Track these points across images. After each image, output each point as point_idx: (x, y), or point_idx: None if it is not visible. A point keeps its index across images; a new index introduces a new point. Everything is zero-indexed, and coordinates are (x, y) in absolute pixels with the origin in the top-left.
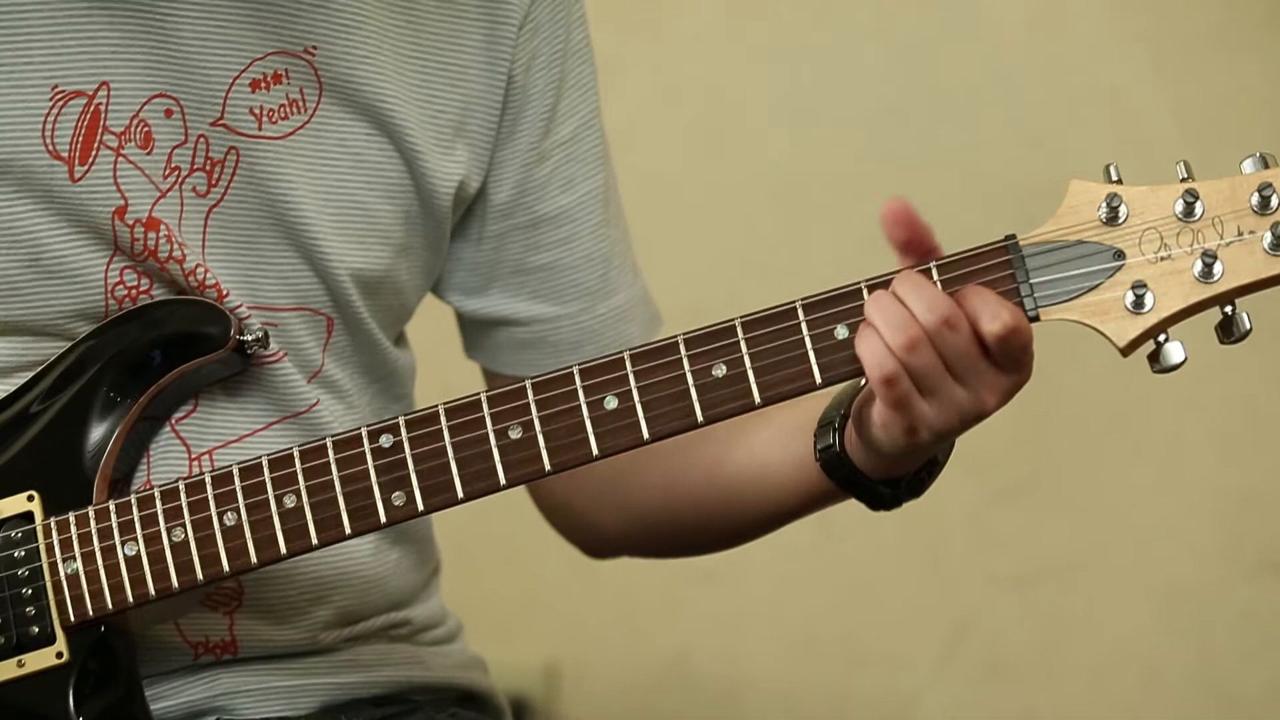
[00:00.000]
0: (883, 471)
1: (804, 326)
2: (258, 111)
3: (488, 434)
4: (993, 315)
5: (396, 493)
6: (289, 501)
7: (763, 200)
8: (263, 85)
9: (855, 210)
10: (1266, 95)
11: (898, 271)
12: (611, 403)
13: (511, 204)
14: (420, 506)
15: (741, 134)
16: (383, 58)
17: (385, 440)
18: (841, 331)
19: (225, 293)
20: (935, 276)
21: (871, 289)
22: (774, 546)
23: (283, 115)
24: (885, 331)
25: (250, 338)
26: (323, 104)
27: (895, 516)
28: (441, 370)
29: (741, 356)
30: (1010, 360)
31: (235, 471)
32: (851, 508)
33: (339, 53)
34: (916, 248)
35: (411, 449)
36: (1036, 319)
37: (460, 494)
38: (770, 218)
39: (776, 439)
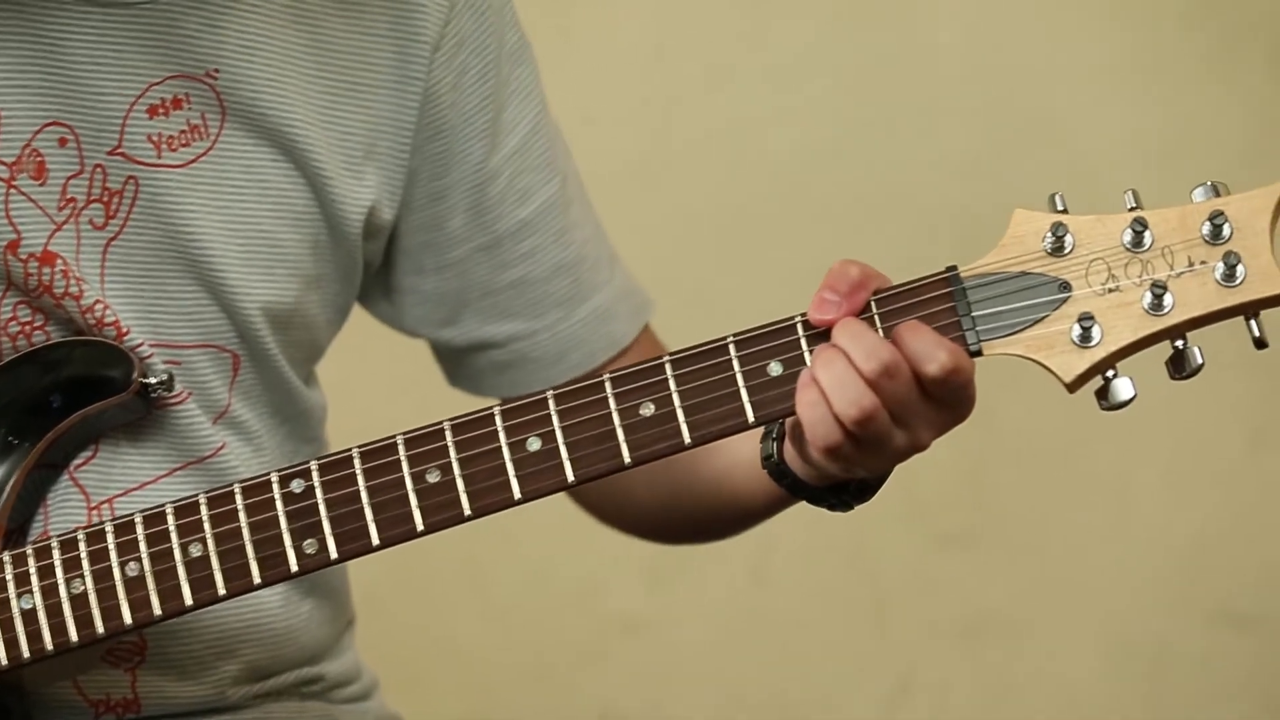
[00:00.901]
0: (827, 480)
1: (735, 363)
2: (157, 139)
3: (404, 478)
4: (929, 356)
5: (308, 540)
6: (195, 550)
7: (696, 235)
8: (162, 111)
9: (794, 243)
10: (1227, 124)
11: (753, 330)
12: (534, 444)
13: (468, 227)
14: (333, 554)
15: (672, 165)
16: (288, 80)
17: (296, 485)
18: (775, 368)
19: (125, 330)
20: (874, 310)
21: (807, 325)
22: (703, 594)
23: (184, 142)
24: (832, 394)
25: (154, 380)
26: (226, 129)
27: (833, 564)
28: (354, 411)
29: (670, 395)
30: (951, 398)
31: (138, 520)
32: (784, 553)
33: (242, 76)
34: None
35: (324, 494)
36: (979, 354)
37: (376, 541)
38: (704, 253)
39: (744, 438)
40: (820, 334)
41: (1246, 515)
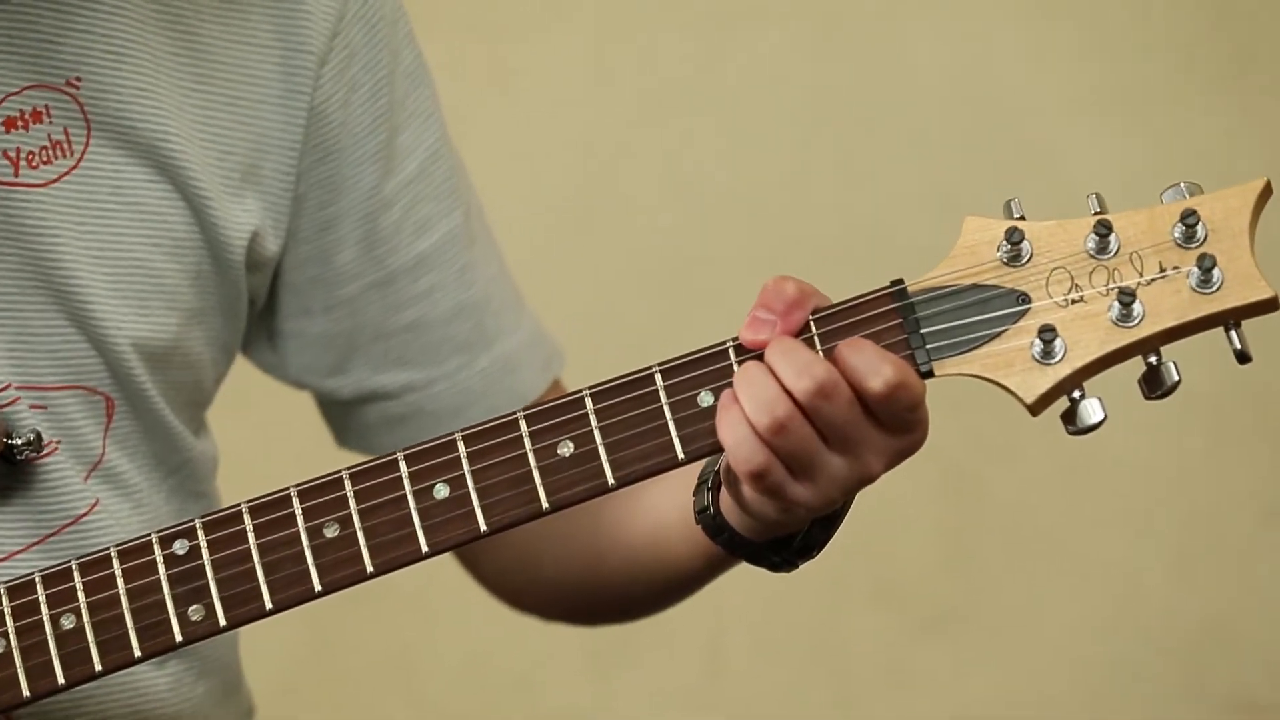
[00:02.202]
0: (768, 533)
1: (663, 394)
2: (14, 155)
3: (299, 533)
4: (873, 371)
5: (194, 606)
6: (67, 622)
7: (642, 276)
8: (20, 124)
9: (750, 286)
10: (1219, 155)
11: (681, 358)
12: (442, 491)
13: (360, 262)
14: (222, 621)
15: (614, 204)
16: (160, 90)
17: (179, 546)
18: (706, 398)
19: None
20: (813, 330)
21: (740, 349)
22: (652, 685)
23: (45, 159)
24: (751, 411)
25: (20, 441)
26: (92, 145)
27: (797, 651)
28: (253, 463)
29: (591, 431)
30: (897, 421)
31: (1, 591)
32: (742, 639)
33: (107, 84)
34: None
35: (210, 554)
36: (930, 374)
37: (268, 604)
38: (650, 296)
39: (673, 493)
40: (756, 357)
41: (1260, 597)
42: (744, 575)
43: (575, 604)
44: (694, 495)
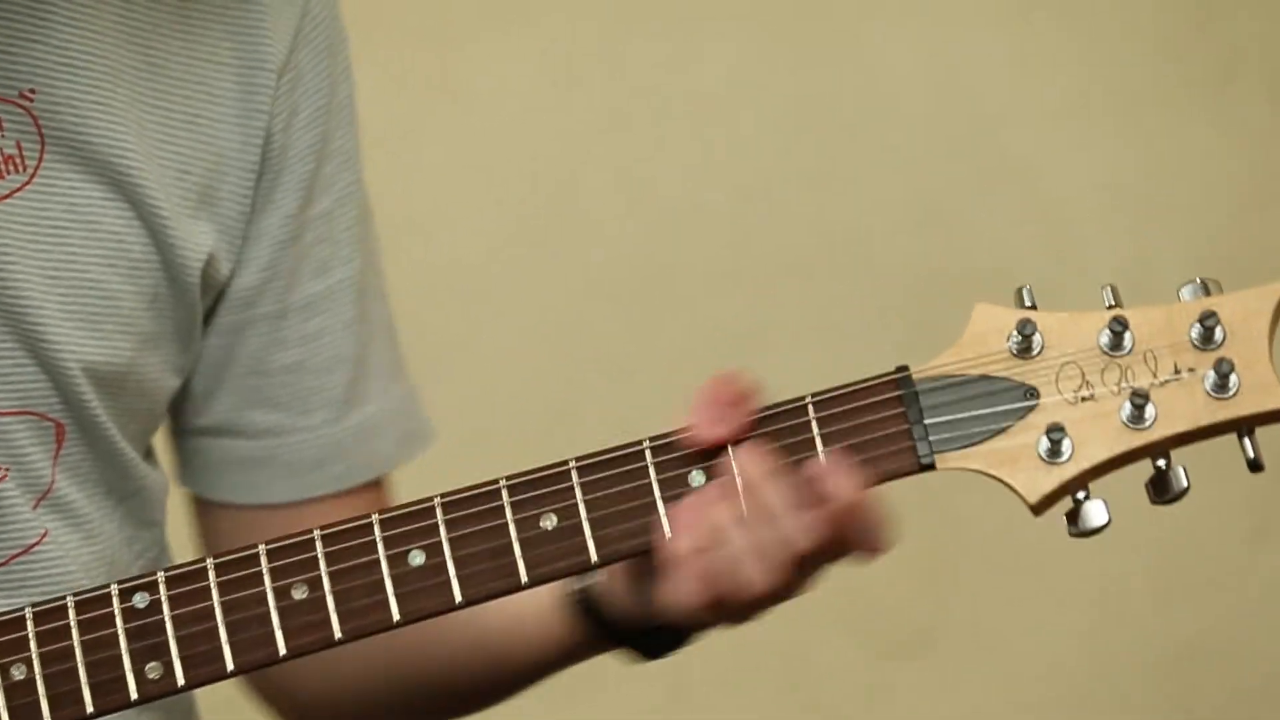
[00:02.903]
0: (653, 621)
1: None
2: None
3: (266, 593)
4: (879, 540)
5: (152, 663)
6: (17, 673)
7: (604, 298)
8: None
9: (720, 307)
10: (1216, 167)
11: (674, 434)
12: (418, 558)
13: (258, 289)
14: (180, 680)
15: (577, 218)
16: (118, 105)
17: (140, 599)
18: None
19: None
20: (811, 414)
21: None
22: (613, 712)
23: None
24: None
25: None
26: (46, 160)
27: (765, 678)
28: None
29: (576, 505)
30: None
31: None
32: (708, 666)
33: (62, 98)
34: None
35: (171, 609)
36: (931, 466)
37: (230, 665)
38: (614, 317)
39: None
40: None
41: (1248, 618)
42: None
43: (375, 709)
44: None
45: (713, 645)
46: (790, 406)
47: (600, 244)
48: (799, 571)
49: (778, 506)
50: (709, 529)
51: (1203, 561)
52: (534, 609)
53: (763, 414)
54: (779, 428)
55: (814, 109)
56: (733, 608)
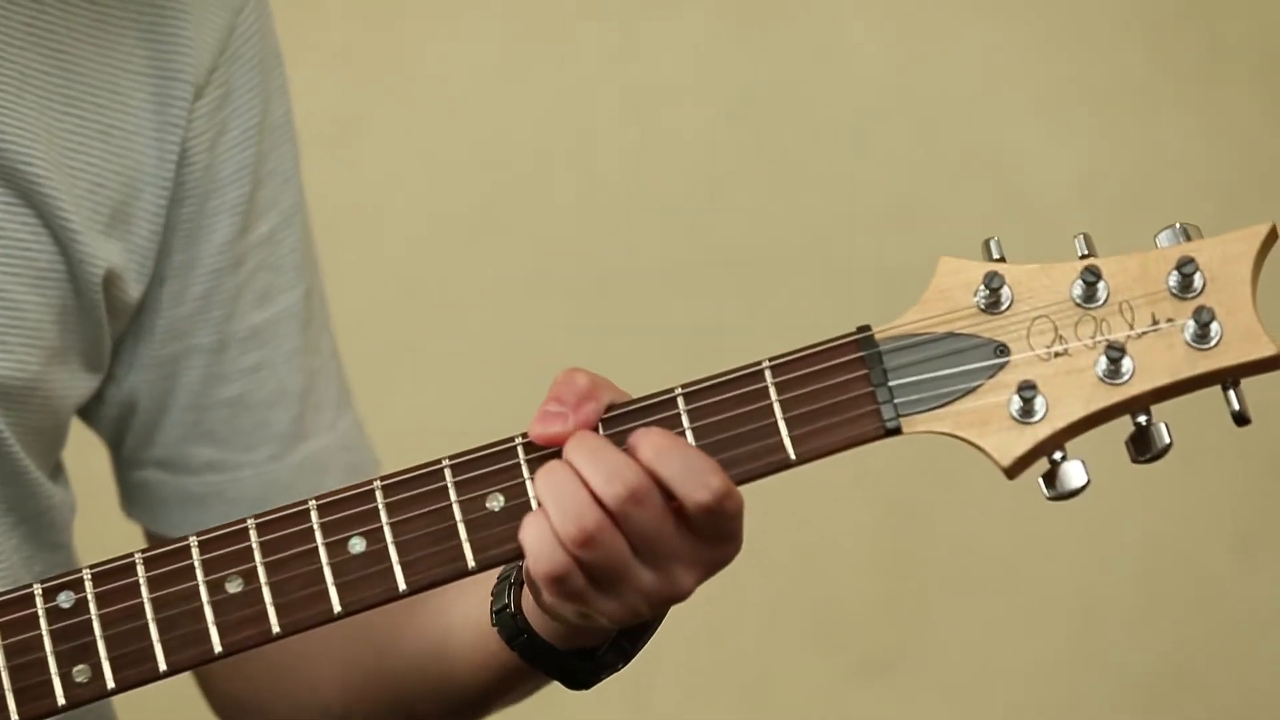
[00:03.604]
0: (571, 641)
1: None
2: None
3: (198, 587)
4: (699, 481)
5: (79, 666)
6: None
7: (549, 293)
8: None
9: (670, 305)
10: (1198, 162)
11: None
12: (358, 545)
13: (193, 319)
14: (110, 683)
15: (523, 210)
16: (26, 110)
17: (64, 599)
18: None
19: None
20: (769, 379)
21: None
22: None
23: None
24: (558, 520)
25: None
26: None
27: (730, 697)
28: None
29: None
30: (718, 533)
31: None
32: (670, 683)
33: None
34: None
35: (99, 608)
36: (897, 431)
37: (163, 666)
38: (565, 319)
39: (464, 596)
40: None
41: (1232, 635)
42: (672, 611)
43: None
44: (493, 594)
45: (675, 658)
46: (748, 371)
47: (554, 239)
48: (648, 539)
49: (587, 470)
50: (549, 494)
51: (1186, 575)
52: (461, 634)
53: (721, 379)
54: (737, 394)
55: (778, 96)
56: (599, 592)
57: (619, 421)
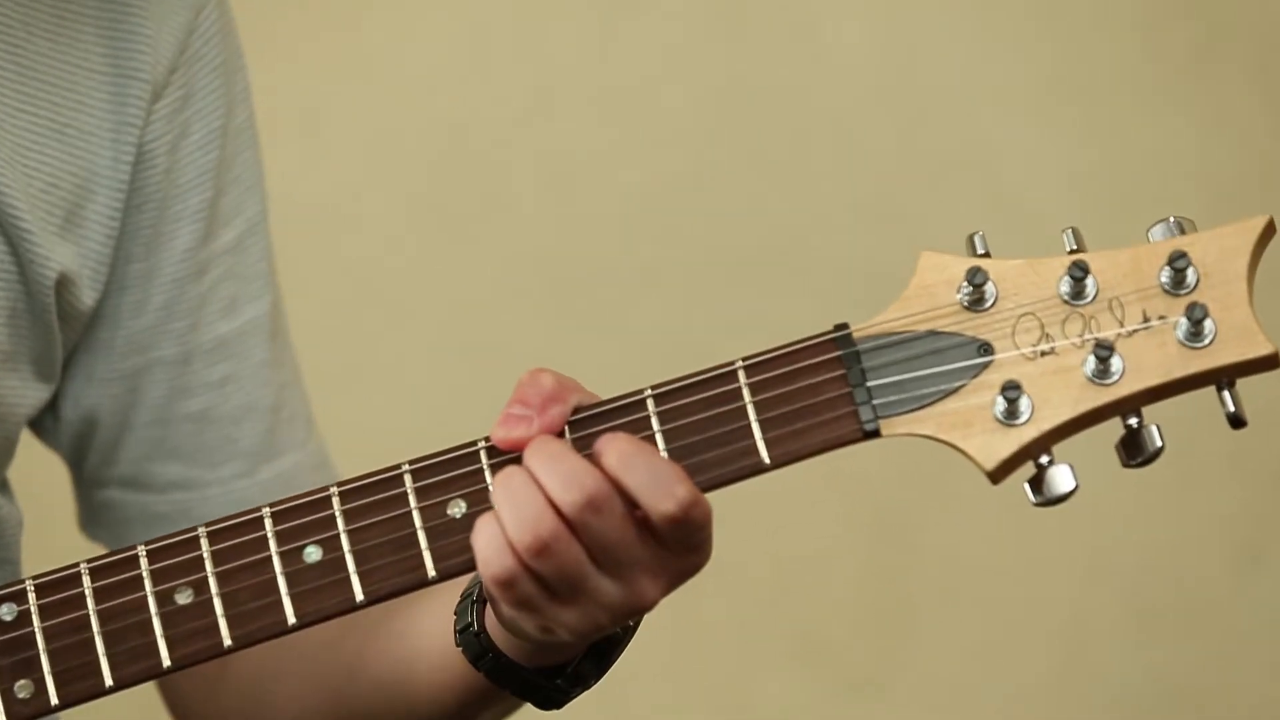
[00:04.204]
0: (540, 657)
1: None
2: None
3: (146, 599)
4: (664, 490)
5: (21, 681)
6: None
7: (518, 295)
8: None
9: (642, 307)
10: (1190, 156)
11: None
12: (314, 553)
13: (155, 331)
14: (54, 699)
15: (490, 209)
16: None
17: (6, 611)
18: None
19: None
20: (743, 380)
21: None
22: None
23: None
24: (510, 525)
25: None
26: None
27: (709, 717)
28: (61, 528)
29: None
30: (683, 543)
31: None
32: (646, 703)
33: None
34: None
35: (42, 621)
36: (876, 433)
37: (108, 681)
38: (530, 317)
39: (428, 616)
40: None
41: (1231, 654)
42: (646, 627)
43: None
44: (456, 613)
45: (653, 675)
46: (721, 371)
47: (521, 238)
48: (612, 549)
49: (544, 476)
50: (504, 500)
51: (1180, 587)
52: (427, 655)
53: (693, 380)
54: (709, 395)
55: (754, 89)
56: (555, 602)
57: (586, 424)
